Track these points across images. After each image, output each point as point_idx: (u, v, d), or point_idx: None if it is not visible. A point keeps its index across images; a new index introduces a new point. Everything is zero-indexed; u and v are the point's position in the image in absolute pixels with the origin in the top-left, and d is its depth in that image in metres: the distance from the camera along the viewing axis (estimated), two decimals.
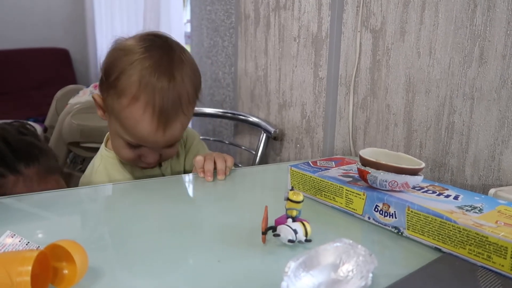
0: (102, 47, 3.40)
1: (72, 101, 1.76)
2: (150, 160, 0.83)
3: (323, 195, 0.70)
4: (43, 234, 0.60)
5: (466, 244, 0.51)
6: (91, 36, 3.65)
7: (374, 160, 0.61)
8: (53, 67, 3.67)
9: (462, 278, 0.47)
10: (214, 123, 1.72)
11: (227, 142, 1.63)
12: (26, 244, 0.47)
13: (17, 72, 3.55)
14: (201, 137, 1.04)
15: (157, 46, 0.80)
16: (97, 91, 0.86)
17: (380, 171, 0.60)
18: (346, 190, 0.66)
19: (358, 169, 0.64)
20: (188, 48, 1.88)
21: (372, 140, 1.03)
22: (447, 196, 0.61)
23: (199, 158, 0.85)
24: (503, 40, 0.74)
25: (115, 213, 0.69)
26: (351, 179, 0.68)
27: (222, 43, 1.62)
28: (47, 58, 3.69)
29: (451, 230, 0.53)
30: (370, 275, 0.43)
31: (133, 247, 0.56)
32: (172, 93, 0.76)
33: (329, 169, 0.74)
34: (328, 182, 0.69)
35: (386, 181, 0.60)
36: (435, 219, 0.54)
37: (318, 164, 0.76)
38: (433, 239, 0.55)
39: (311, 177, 0.72)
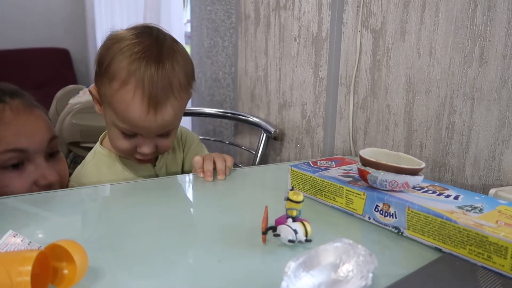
0: None
1: (72, 101, 1.76)
2: (145, 150, 0.82)
3: (323, 195, 0.70)
4: (43, 234, 0.60)
5: (467, 244, 0.51)
6: (91, 36, 3.64)
7: (374, 160, 0.61)
8: (53, 67, 3.66)
9: (462, 278, 0.47)
10: (214, 123, 1.72)
11: (227, 142, 1.63)
12: (28, 244, 0.47)
13: (17, 72, 3.53)
14: (201, 137, 1.04)
15: (148, 34, 0.81)
16: None
17: (380, 171, 0.60)
18: (346, 190, 0.66)
19: (358, 169, 0.64)
20: (188, 48, 1.88)
21: (372, 140, 1.03)
22: (448, 196, 0.61)
23: (198, 158, 0.85)
24: (503, 40, 0.74)
25: (115, 213, 0.69)
26: (351, 179, 0.68)
27: (222, 43, 1.62)
28: (47, 58, 3.68)
29: (451, 230, 0.53)
30: (370, 275, 0.43)
31: (133, 247, 0.56)
32: (162, 76, 0.77)
33: (329, 169, 0.74)
34: (328, 182, 0.69)
35: (386, 181, 0.60)
36: (436, 219, 0.54)
37: (318, 164, 0.76)
38: (433, 239, 0.55)
39: (311, 177, 0.72)
